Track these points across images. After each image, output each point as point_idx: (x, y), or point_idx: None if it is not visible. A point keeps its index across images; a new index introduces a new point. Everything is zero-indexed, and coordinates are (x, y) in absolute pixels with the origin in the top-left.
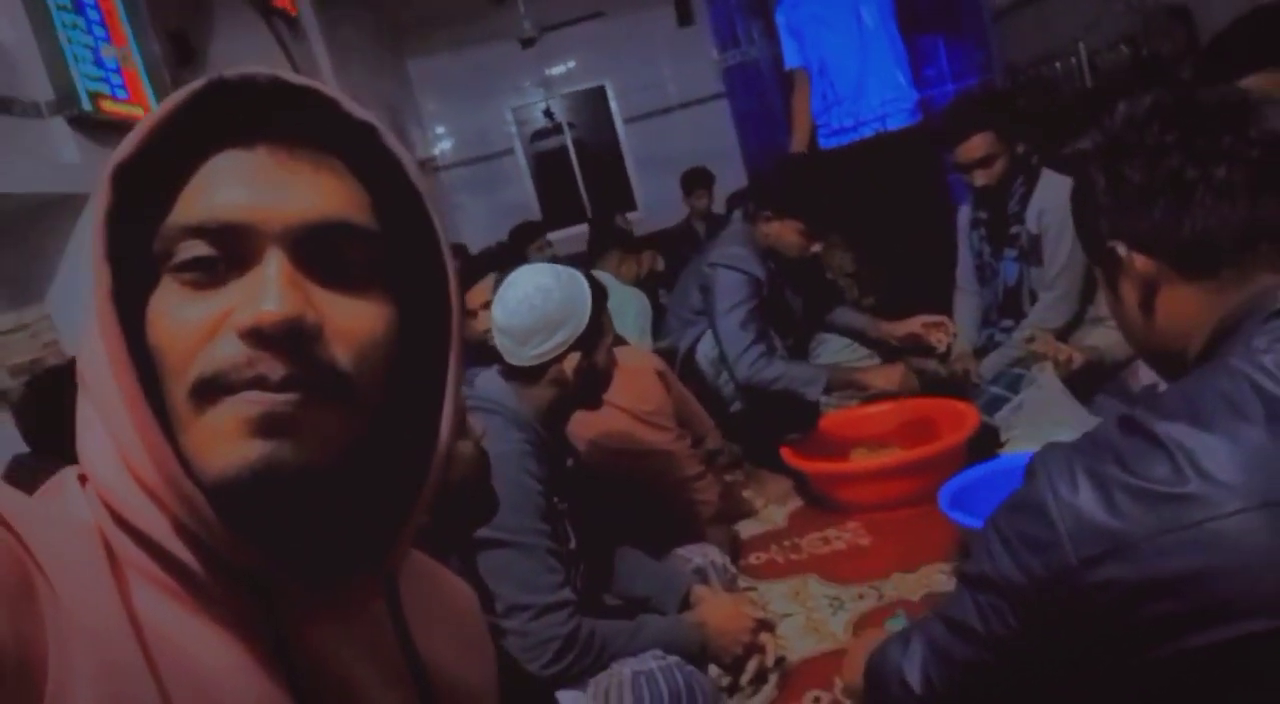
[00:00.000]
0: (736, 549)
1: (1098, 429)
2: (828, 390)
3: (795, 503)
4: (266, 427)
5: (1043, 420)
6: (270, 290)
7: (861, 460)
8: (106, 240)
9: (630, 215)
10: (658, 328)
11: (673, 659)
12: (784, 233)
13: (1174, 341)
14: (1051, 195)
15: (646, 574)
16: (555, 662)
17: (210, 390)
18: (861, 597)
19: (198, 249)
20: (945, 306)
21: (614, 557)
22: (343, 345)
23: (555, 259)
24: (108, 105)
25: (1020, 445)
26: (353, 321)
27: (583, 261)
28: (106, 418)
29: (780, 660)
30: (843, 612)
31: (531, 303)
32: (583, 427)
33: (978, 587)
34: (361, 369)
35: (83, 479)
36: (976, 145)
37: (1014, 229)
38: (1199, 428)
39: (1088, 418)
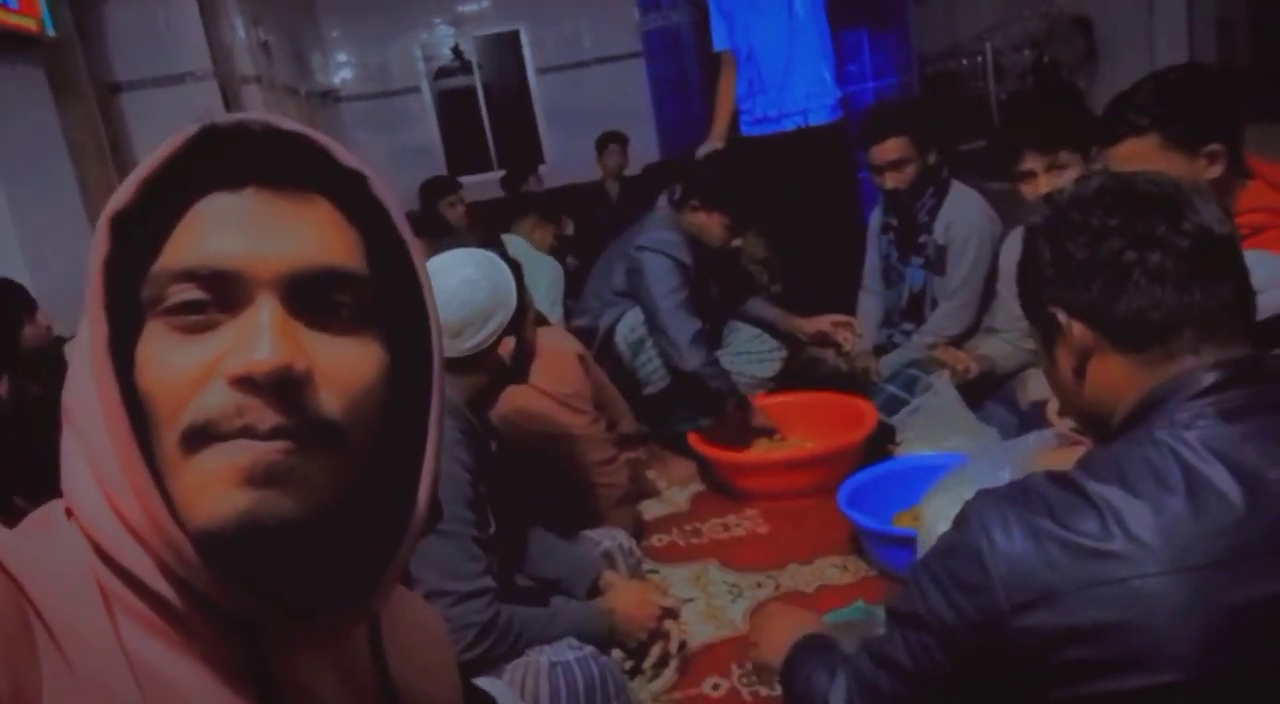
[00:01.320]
0: (639, 530)
1: (1028, 480)
2: (734, 407)
3: (697, 486)
4: (255, 476)
5: (937, 426)
6: (262, 338)
7: (763, 451)
8: (105, 290)
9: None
10: (567, 293)
11: (588, 650)
12: (709, 224)
13: (1101, 406)
14: (959, 209)
15: (557, 557)
16: (472, 647)
17: (200, 438)
18: (759, 585)
19: (189, 293)
20: (849, 301)
21: (526, 537)
22: (333, 391)
23: (468, 214)
24: None
25: (914, 447)
26: (343, 367)
27: (495, 220)
28: (93, 459)
29: (681, 646)
30: (741, 599)
31: (460, 298)
32: (499, 402)
33: (908, 625)
34: (352, 416)
35: (69, 511)
36: (891, 147)
37: (922, 238)
38: (1127, 492)
39: (979, 426)
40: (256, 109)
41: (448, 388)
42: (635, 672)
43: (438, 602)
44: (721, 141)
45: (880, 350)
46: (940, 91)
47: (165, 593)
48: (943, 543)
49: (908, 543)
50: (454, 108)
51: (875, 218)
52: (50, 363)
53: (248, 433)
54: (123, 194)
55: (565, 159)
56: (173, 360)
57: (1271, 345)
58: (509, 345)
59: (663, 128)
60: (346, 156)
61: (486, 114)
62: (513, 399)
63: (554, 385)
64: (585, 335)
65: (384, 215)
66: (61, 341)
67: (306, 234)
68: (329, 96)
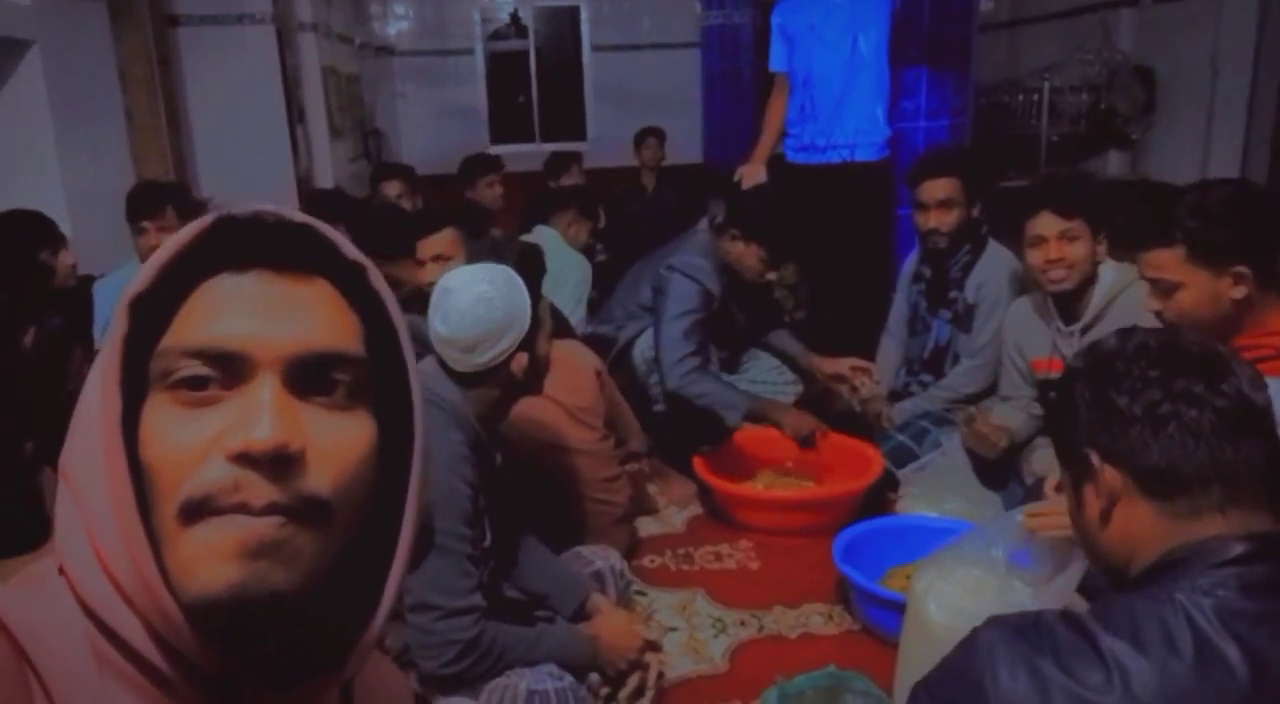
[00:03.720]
0: (634, 548)
1: (1042, 616)
2: (746, 419)
3: (695, 509)
4: (248, 549)
5: (941, 486)
6: (263, 416)
7: (764, 487)
8: (122, 367)
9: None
10: (593, 287)
11: (568, 681)
12: (746, 255)
13: (1121, 553)
14: (992, 270)
15: (548, 572)
16: (454, 664)
17: (197, 511)
18: (743, 624)
19: (194, 369)
20: (868, 339)
21: (519, 547)
22: (325, 469)
23: (505, 195)
24: None
25: (914, 506)
26: (338, 445)
27: (533, 206)
28: (91, 523)
29: (659, 677)
30: (724, 636)
31: (474, 315)
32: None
33: None
34: (341, 494)
35: (61, 569)
36: (941, 186)
37: (952, 293)
38: (1137, 650)
39: (982, 492)
40: (310, 54)
41: (461, 400)
42: (611, 699)
43: (423, 614)
44: (764, 162)
45: (896, 396)
46: (992, 125)
47: (153, 657)
48: (948, 667)
49: (896, 607)
50: (504, 72)
51: (909, 265)
52: (77, 297)
53: (243, 509)
54: (143, 278)
55: (607, 139)
56: (176, 435)
57: None
58: (522, 361)
59: (709, 122)
60: (349, 249)
61: (536, 83)
62: (524, 408)
63: (568, 397)
64: (604, 343)
65: (379, 303)
66: (90, 280)
67: (310, 316)
68: (383, 49)
